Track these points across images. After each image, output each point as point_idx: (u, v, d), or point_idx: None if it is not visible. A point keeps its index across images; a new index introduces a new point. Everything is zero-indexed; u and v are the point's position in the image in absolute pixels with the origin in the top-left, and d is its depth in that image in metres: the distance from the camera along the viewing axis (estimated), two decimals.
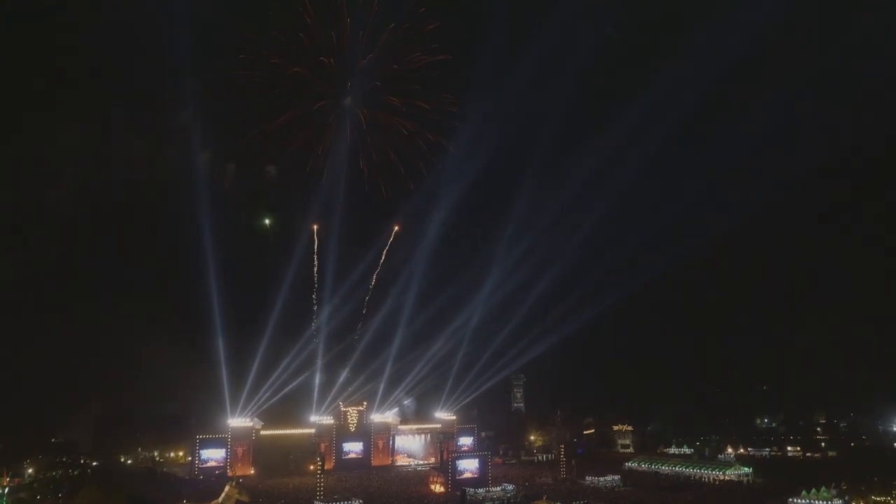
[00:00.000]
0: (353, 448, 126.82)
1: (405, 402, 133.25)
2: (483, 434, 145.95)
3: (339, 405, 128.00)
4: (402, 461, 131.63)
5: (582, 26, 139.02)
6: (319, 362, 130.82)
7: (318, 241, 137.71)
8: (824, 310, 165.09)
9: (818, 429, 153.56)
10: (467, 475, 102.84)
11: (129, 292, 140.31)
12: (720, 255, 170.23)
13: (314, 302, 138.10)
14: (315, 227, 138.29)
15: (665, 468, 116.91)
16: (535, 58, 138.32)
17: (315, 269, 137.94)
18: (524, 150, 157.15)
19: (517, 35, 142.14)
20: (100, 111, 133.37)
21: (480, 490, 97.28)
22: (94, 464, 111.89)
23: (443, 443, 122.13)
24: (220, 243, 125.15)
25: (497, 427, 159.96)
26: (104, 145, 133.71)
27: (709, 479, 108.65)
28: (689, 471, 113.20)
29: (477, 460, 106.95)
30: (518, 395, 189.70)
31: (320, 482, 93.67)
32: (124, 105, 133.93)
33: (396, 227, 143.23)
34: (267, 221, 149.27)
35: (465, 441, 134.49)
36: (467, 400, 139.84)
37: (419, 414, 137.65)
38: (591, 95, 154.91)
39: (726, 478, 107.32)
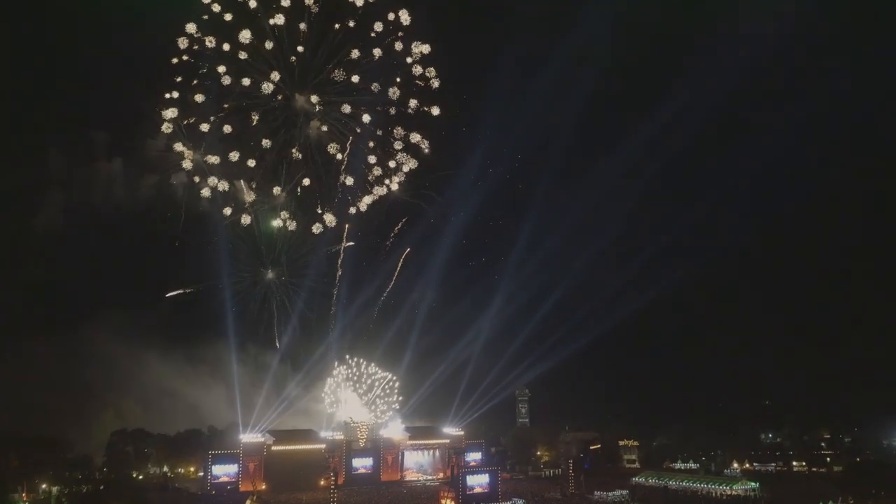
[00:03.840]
0: (363, 463, 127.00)
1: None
2: (493, 449, 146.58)
3: (350, 420, 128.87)
4: (411, 476, 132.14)
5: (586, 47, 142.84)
6: (330, 377, 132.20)
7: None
8: (829, 325, 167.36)
9: (823, 444, 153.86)
10: (478, 490, 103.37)
11: (137, 306, 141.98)
12: (725, 272, 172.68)
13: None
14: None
15: (673, 483, 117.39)
16: (541, 78, 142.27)
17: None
18: (532, 167, 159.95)
19: (517, 43, 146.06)
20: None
21: None
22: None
23: (452, 458, 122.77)
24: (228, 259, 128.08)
25: (504, 442, 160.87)
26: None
27: (717, 494, 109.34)
28: (697, 486, 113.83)
29: (487, 475, 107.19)
30: (523, 410, 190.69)
31: (333, 496, 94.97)
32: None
33: (408, 250, 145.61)
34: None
35: (474, 456, 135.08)
36: (475, 416, 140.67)
37: (426, 430, 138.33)
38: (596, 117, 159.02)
39: (734, 493, 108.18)
